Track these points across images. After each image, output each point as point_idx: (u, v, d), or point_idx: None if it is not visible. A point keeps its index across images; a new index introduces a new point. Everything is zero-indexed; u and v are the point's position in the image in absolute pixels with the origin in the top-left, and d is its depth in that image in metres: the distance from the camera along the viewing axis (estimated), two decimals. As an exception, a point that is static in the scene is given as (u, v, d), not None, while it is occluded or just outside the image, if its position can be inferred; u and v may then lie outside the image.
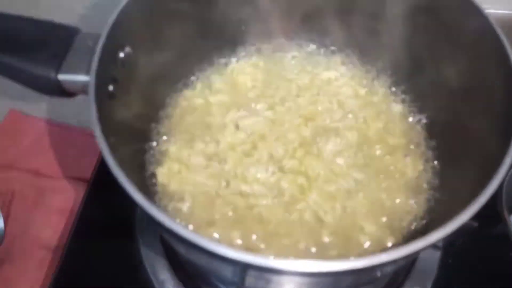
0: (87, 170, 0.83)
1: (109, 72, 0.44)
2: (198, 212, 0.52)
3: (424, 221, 0.52)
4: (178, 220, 0.53)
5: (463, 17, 0.49)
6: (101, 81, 0.42)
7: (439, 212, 0.51)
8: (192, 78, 0.64)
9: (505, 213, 0.63)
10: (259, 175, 0.54)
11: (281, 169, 0.55)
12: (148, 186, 0.55)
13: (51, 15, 0.48)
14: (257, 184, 0.53)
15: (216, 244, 0.34)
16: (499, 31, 0.44)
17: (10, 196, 0.84)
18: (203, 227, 0.52)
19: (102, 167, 0.73)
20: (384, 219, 0.52)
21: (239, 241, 0.50)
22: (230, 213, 0.52)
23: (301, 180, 0.54)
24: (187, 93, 0.62)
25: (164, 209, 0.54)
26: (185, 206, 0.53)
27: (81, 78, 0.43)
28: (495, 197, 0.63)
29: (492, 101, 0.46)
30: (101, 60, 0.42)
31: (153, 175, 0.56)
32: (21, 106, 0.97)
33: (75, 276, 0.63)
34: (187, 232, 0.35)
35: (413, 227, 0.52)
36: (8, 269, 0.73)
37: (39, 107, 0.95)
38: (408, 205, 0.53)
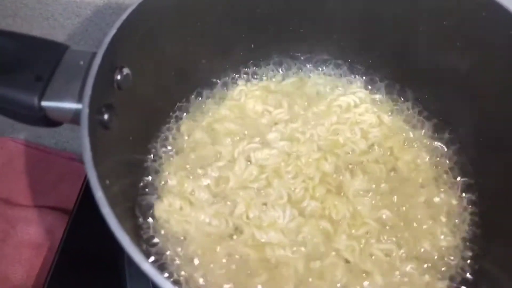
0: (66, 198, 0.75)
1: (104, 98, 0.36)
2: (200, 259, 0.44)
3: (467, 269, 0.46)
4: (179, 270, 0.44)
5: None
6: (95, 108, 0.34)
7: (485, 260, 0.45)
8: (196, 101, 0.56)
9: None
10: (275, 220, 0.46)
11: (301, 213, 0.48)
12: (141, 227, 0.46)
13: (36, 31, 0.40)
14: (274, 231, 0.45)
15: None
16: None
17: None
18: (207, 279, 0.44)
19: (86, 196, 0.64)
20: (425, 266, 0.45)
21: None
22: (239, 266, 0.44)
23: (325, 224, 0.46)
24: (190, 118, 0.54)
25: (161, 255, 0.46)
26: (186, 251, 0.45)
27: (70, 105, 0.35)
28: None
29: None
30: (96, 84, 0.33)
31: (150, 212, 0.47)
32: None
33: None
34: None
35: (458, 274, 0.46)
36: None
37: (11, 125, 0.85)
38: (449, 251, 0.46)
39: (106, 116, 0.37)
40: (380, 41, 0.54)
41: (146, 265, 0.27)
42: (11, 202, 0.78)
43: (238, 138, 0.53)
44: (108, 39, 0.36)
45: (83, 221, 0.62)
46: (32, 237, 0.74)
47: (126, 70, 0.39)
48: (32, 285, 0.69)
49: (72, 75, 0.36)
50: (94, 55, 0.36)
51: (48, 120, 0.36)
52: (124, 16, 0.37)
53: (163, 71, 0.47)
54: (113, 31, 0.36)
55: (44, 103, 0.35)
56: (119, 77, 0.39)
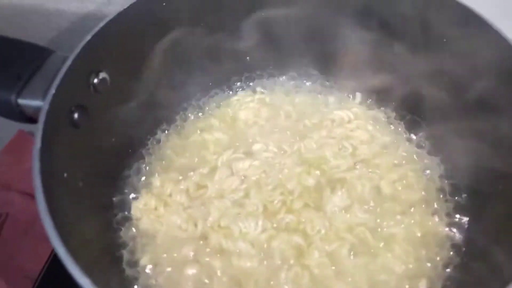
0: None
1: (75, 98, 0.39)
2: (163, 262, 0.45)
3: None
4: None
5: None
6: (62, 107, 0.37)
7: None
8: (187, 107, 0.57)
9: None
10: (246, 231, 0.46)
11: (275, 226, 0.47)
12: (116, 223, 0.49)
13: (30, 37, 0.44)
14: (243, 242, 0.45)
15: None
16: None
17: (3, 219, 0.81)
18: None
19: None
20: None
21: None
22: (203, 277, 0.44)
23: (297, 239, 0.45)
24: (180, 124, 0.56)
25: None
26: (152, 249, 0.46)
27: (38, 103, 0.38)
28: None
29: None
30: (63, 85, 0.36)
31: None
32: (31, 127, 0.95)
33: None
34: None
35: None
36: (-13, 296, 0.69)
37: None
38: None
39: (76, 115, 0.39)
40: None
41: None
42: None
43: (223, 147, 0.53)
44: (82, 44, 0.39)
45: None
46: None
47: (103, 74, 0.42)
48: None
49: (50, 77, 0.39)
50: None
51: (24, 116, 0.39)
52: (101, 24, 0.40)
53: (151, 79, 0.49)
54: (88, 37, 0.39)
55: (21, 101, 0.38)
56: (95, 80, 0.41)
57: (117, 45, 0.43)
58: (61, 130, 0.36)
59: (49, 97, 0.35)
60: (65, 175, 0.35)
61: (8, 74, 0.39)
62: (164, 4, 0.45)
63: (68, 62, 0.37)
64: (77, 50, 0.38)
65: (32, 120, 0.40)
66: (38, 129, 0.34)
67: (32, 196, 0.85)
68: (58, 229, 0.29)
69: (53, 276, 0.62)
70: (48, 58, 0.41)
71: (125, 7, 0.42)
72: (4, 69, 0.39)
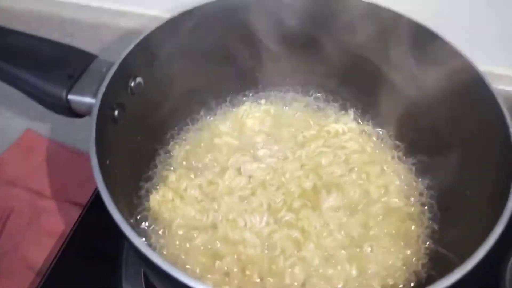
0: (88, 196, 0.83)
1: (116, 98, 0.45)
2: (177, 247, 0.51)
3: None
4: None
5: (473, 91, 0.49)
6: (107, 104, 0.43)
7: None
8: (202, 113, 0.65)
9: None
10: (252, 224, 0.52)
11: (277, 221, 0.53)
12: (137, 210, 0.55)
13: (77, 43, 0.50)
14: (249, 233, 0.52)
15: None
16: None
17: (8, 212, 0.85)
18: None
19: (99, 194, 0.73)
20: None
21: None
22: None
23: (296, 234, 0.52)
24: (197, 128, 0.64)
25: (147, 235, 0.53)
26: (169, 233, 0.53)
27: (89, 100, 0.44)
28: (499, 280, 0.60)
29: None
30: (109, 85, 0.43)
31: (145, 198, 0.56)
32: (39, 127, 0.99)
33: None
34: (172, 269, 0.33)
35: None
36: (-10, 285, 0.72)
37: (54, 130, 0.98)
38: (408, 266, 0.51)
39: (116, 113, 0.46)
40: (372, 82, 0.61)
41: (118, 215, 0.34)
42: (41, 194, 0.88)
43: (234, 149, 0.60)
44: (125, 53, 0.46)
45: (93, 216, 0.70)
46: (53, 226, 0.83)
47: (139, 79, 0.49)
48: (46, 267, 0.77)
49: (95, 78, 0.46)
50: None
51: (72, 111, 0.46)
52: (141, 36, 0.47)
53: (174, 86, 0.56)
54: (130, 47, 0.46)
55: (70, 97, 0.45)
56: (132, 84, 0.48)
57: (152, 56, 0.50)
58: (106, 124, 0.43)
59: (100, 95, 0.42)
60: (108, 162, 0.41)
61: (60, 73, 0.45)
62: (192, 29, 0.52)
63: (115, 66, 0.44)
64: (122, 57, 0.45)
65: (77, 115, 0.47)
66: (92, 120, 0.40)
67: (37, 192, 0.90)
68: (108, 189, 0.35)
69: (61, 271, 0.66)
70: (93, 62, 0.48)
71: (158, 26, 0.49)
72: (57, 68, 0.45)
